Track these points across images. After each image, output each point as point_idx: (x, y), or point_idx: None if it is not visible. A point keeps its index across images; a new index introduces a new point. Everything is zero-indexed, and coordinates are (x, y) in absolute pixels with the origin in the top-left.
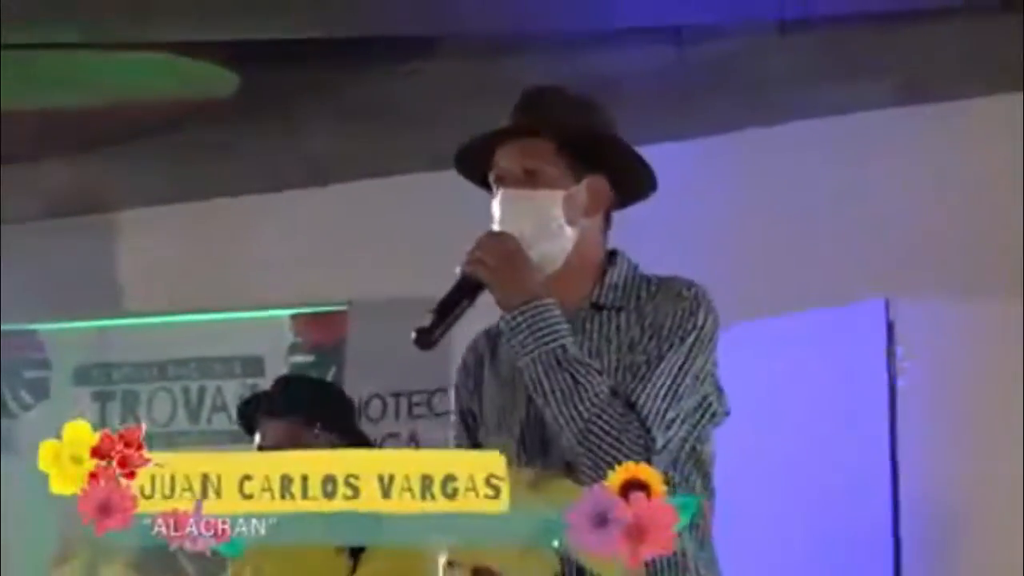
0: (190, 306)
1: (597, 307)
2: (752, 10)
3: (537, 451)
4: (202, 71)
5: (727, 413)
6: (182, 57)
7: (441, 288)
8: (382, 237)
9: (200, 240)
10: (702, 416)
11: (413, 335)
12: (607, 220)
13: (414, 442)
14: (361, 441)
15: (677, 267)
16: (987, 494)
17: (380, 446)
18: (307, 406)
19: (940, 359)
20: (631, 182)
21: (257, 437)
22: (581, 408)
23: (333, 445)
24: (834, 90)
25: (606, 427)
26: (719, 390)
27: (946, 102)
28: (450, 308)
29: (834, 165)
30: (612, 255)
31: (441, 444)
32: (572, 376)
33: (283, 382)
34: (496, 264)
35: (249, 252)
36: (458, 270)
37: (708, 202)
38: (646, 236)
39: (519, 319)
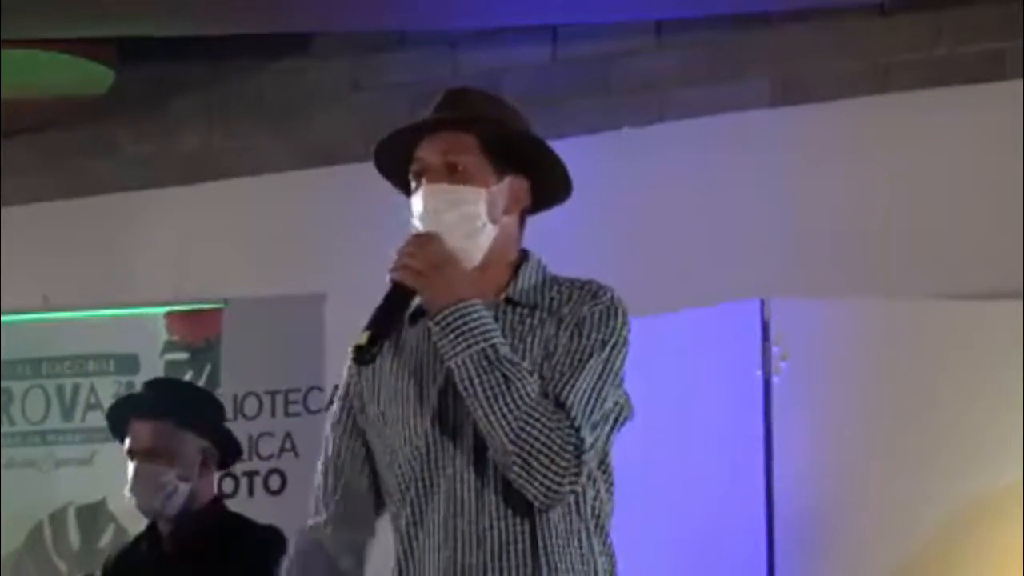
0: (64, 303)
1: (510, 303)
2: (628, 11)
3: (447, 444)
4: (78, 68)
5: (632, 415)
6: (59, 54)
7: (315, 287)
8: (258, 235)
9: (75, 237)
10: (617, 417)
11: (351, 353)
12: (522, 222)
13: (289, 441)
14: (231, 443)
15: (552, 267)
16: (859, 491)
17: (255, 445)
18: (178, 408)
19: (814, 358)
20: (548, 186)
21: (128, 440)
22: (512, 407)
23: (203, 448)
24: (709, 90)
25: (538, 426)
26: (626, 393)
27: (820, 103)
28: (384, 319)
29: (708, 166)
30: (523, 253)
31: (316, 442)
32: (504, 375)
33: (153, 385)
34: (423, 267)
35: (124, 249)
36: (387, 278)
37: (583, 202)
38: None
39: (449, 319)
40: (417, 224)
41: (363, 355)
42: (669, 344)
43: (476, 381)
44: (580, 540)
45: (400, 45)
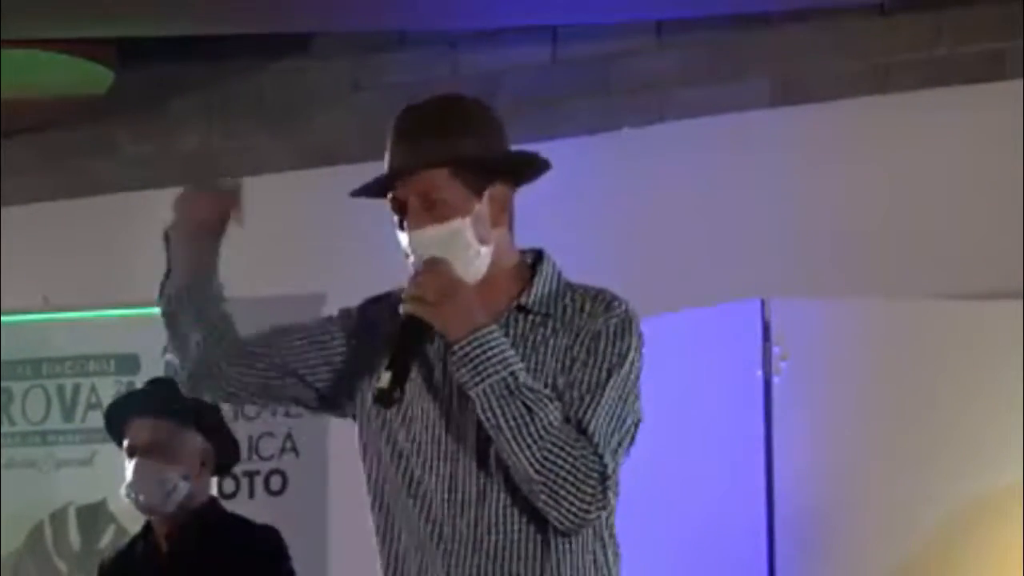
0: (65, 303)
1: (523, 311)
2: (628, 11)
3: (450, 446)
4: (78, 68)
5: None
6: (59, 54)
7: (315, 287)
8: (258, 235)
9: (75, 237)
10: (634, 433)
11: (373, 395)
12: (511, 222)
13: (290, 441)
14: (231, 446)
15: None
16: (859, 491)
17: (256, 445)
18: (181, 407)
19: (814, 358)
20: (526, 173)
21: (127, 437)
22: (536, 437)
23: (203, 449)
24: (709, 90)
25: (563, 455)
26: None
27: (820, 103)
28: (403, 357)
29: (708, 166)
30: (539, 257)
31: (317, 443)
32: (525, 404)
33: (156, 383)
34: (435, 299)
35: (124, 249)
36: (400, 311)
37: (583, 202)
38: (518, 235)
39: (467, 349)
40: (411, 263)
41: (386, 397)
42: (669, 344)
43: (499, 412)
44: (589, 544)
45: (400, 45)
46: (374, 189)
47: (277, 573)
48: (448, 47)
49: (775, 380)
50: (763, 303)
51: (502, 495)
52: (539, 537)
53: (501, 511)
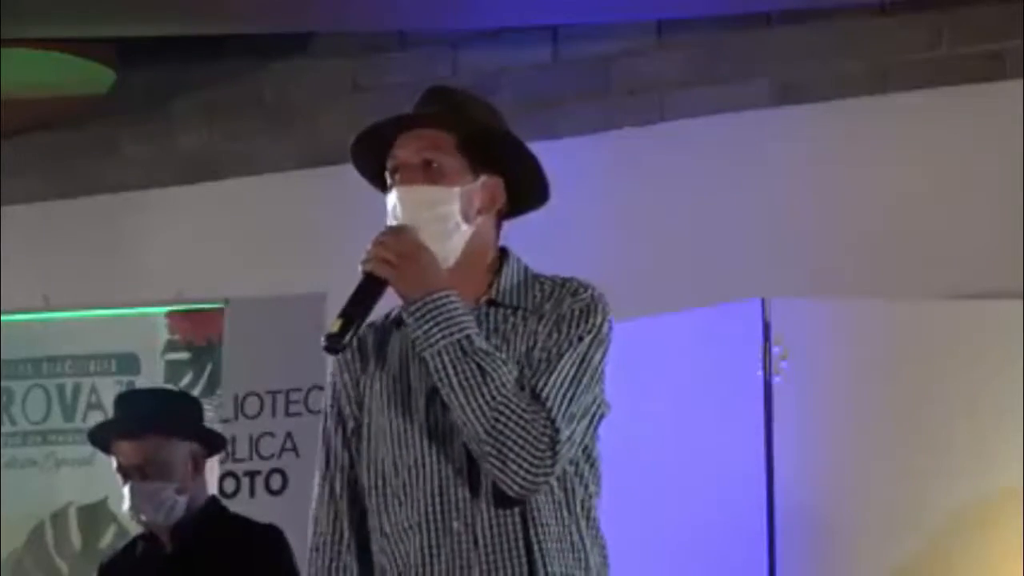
0: (65, 303)
1: (493, 304)
2: (628, 11)
3: (437, 451)
4: (78, 68)
5: (608, 412)
6: (59, 54)
7: (316, 286)
8: (258, 235)
9: (75, 237)
10: (596, 412)
11: (323, 342)
12: (499, 223)
13: (290, 440)
14: (214, 436)
15: (550, 268)
16: (859, 491)
17: (256, 445)
18: (160, 419)
19: (814, 358)
20: (525, 189)
21: (116, 457)
22: (488, 397)
23: (191, 450)
24: (709, 90)
25: (513, 418)
26: (603, 390)
27: (820, 103)
28: (357, 309)
29: (708, 166)
30: (503, 253)
31: (317, 442)
32: (479, 365)
33: (123, 401)
34: (398, 260)
35: (124, 249)
36: (360, 269)
37: (583, 202)
38: (517, 235)
39: (423, 310)
40: (392, 223)
41: (335, 343)
42: (669, 344)
43: (451, 372)
44: (572, 536)
45: (400, 45)
46: (374, 153)
47: (279, 571)
48: (448, 47)
49: (775, 380)
50: (763, 303)
51: (492, 493)
52: (526, 532)
53: (492, 508)
